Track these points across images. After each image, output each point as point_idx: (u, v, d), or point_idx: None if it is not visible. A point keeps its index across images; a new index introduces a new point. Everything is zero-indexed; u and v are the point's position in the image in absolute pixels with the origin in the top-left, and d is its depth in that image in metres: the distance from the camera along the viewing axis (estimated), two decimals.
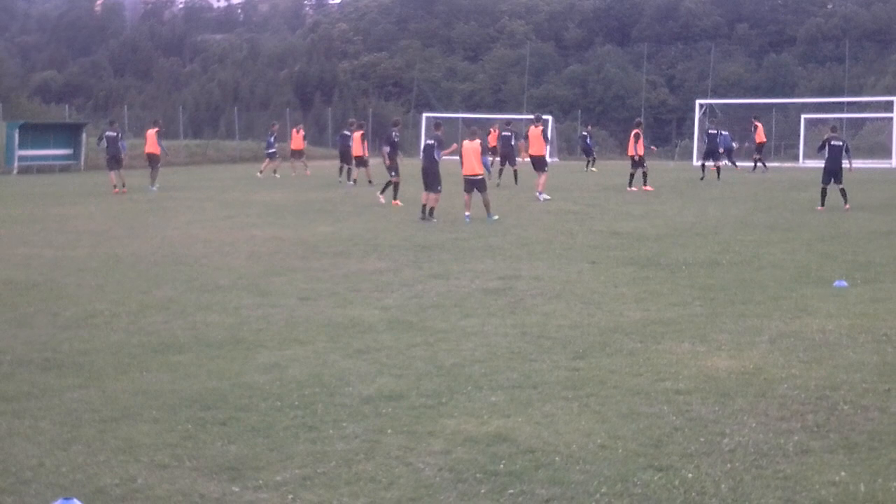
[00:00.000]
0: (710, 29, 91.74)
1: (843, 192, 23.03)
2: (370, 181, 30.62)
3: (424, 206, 21.37)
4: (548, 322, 10.85)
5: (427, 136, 22.51)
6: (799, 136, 50.34)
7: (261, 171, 37.69)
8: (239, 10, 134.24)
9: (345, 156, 32.52)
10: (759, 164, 38.50)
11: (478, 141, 22.02)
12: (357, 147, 31.05)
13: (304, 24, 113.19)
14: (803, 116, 51.29)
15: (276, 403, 7.77)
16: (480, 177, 21.50)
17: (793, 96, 65.88)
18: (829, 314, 10.97)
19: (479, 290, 12.93)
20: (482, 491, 5.99)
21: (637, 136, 29.01)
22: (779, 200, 25.81)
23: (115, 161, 29.97)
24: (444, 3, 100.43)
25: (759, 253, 16.09)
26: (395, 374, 8.67)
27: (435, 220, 20.99)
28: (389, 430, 7.09)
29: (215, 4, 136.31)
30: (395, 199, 24.73)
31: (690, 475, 6.18)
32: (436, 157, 21.73)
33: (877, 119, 53.02)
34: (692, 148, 51.13)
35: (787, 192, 28.58)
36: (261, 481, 6.16)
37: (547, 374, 8.64)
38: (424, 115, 58.18)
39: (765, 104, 51.82)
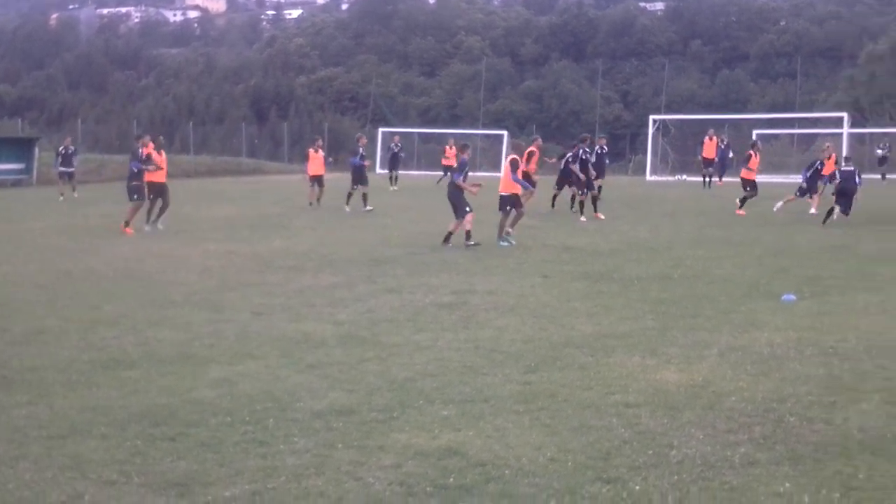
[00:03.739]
0: (665, 45, 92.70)
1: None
2: (312, 202, 29.38)
3: (450, 233, 19.57)
4: (500, 336, 10.89)
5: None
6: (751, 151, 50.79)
7: None
8: (195, 25, 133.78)
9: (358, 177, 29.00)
10: (709, 179, 38.79)
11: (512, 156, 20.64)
12: (318, 166, 30.36)
13: (261, 39, 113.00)
14: (755, 132, 51.83)
15: (226, 419, 7.75)
16: (508, 195, 19.93)
17: (745, 112, 66.63)
18: (778, 328, 11.10)
19: (433, 304, 12.96)
20: None
21: (531, 154, 25.64)
22: (731, 215, 26.05)
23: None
24: (401, 19, 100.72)
25: (711, 267, 16.25)
26: (347, 388, 8.66)
27: (475, 243, 19.12)
28: (340, 445, 7.09)
29: (171, 19, 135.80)
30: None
31: (638, 487, 6.23)
32: (455, 180, 19.92)
33: (828, 134, 53.65)
34: (646, 163, 51.51)
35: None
36: (210, 497, 6.13)
37: (499, 387, 8.67)
38: (381, 130, 58.23)
39: (718, 120, 52.26)
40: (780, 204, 26.01)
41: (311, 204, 29.17)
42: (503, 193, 19.98)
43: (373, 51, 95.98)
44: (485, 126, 66.94)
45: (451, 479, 6.38)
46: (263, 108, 77.84)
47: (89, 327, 11.52)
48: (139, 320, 11.92)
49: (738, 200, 26.74)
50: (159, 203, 22.94)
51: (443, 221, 21.95)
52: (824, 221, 23.15)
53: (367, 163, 28.80)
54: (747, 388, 8.49)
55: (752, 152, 27.75)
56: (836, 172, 24.31)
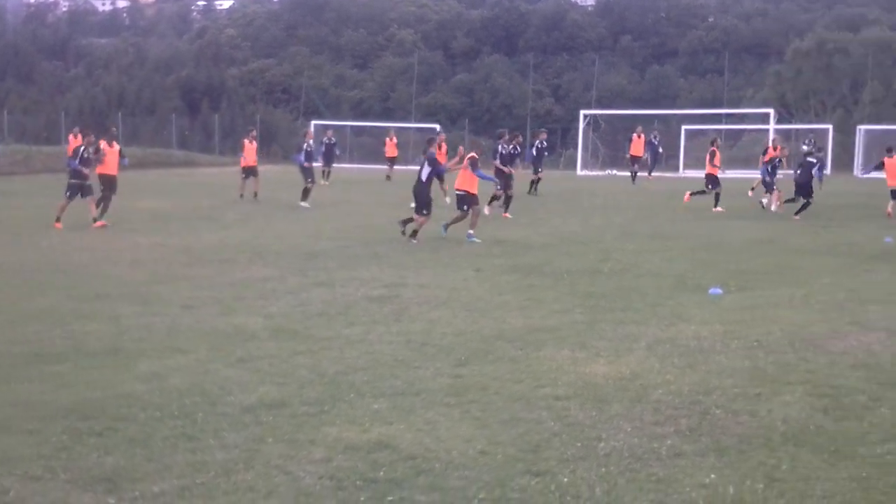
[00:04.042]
0: (595, 41, 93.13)
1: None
2: (243, 194, 29.22)
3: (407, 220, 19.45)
4: (432, 329, 10.93)
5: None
6: (680, 146, 51.54)
7: None
8: (125, 15, 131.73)
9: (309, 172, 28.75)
10: (636, 175, 39.17)
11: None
12: (252, 157, 29.90)
13: (192, 30, 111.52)
14: (684, 127, 52.54)
15: (155, 413, 7.69)
16: (463, 192, 19.63)
17: (674, 107, 67.32)
18: (704, 321, 11.28)
19: (365, 297, 12.96)
20: (362, 498, 6.03)
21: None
22: (659, 209, 26.38)
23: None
24: (333, 11, 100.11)
25: (639, 261, 16.44)
26: (278, 382, 8.64)
27: (415, 242, 18.91)
28: (270, 439, 7.07)
29: (100, 8, 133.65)
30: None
31: (566, 479, 6.31)
32: (422, 177, 19.53)
33: (754, 130, 54.54)
34: (577, 158, 51.91)
35: (668, 201, 29.24)
36: (137, 493, 6.08)
37: (430, 381, 8.71)
38: (313, 122, 57.95)
39: (647, 115, 52.84)
40: (774, 205, 26.33)
41: (241, 196, 28.97)
42: (460, 191, 19.68)
43: (305, 42, 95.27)
44: (417, 119, 66.84)
45: (382, 473, 6.41)
46: (195, 100, 76.87)
47: (16, 321, 11.34)
48: (67, 314, 11.76)
49: (701, 196, 27.17)
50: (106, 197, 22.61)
51: (375, 215, 22.00)
52: (796, 214, 24.13)
53: (307, 164, 28.57)
54: (674, 381, 8.62)
55: (715, 148, 28.14)
56: (777, 161, 26.11)
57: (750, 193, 29.02)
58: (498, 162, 24.66)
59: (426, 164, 19.72)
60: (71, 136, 36.86)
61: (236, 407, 7.88)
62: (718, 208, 26.22)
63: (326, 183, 36.36)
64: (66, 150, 29.32)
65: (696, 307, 12.22)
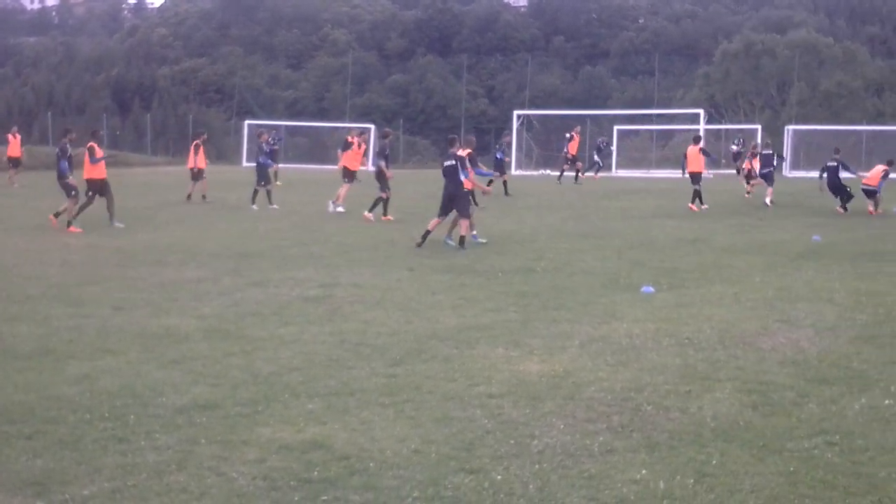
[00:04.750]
0: (528, 41, 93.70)
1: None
2: (192, 195, 28.95)
3: (429, 231, 18.42)
4: (366, 329, 10.92)
5: (448, 157, 18.80)
6: (612, 146, 51.95)
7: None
8: (54, 13, 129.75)
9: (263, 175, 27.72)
10: (568, 173, 39.37)
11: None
12: (198, 159, 29.41)
13: (123, 28, 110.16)
14: (616, 127, 53.00)
15: (85, 416, 7.60)
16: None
17: (606, 108, 67.94)
18: (636, 319, 11.40)
19: (299, 297, 12.91)
20: (296, 498, 6.02)
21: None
22: (592, 209, 26.60)
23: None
24: (266, 11, 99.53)
25: (572, 260, 16.57)
26: (211, 383, 8.59)
27: (465, 249, 18.04)
28: (203, 440, 7.03)
29: (29, 6, 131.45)
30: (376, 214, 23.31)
31: (500, 477, 6.34)
32: (460, 179, 18.30)
33: (685, 130, 55.15)
34: (511, 157, 52.06)
35: (600, 200, 29.50)
36: (67, 496, 6.02)
37: (364, 380, 8.71)
38: (247, 122, 57.59)
39: (580, 115, 53.22)
40: (768, 200, 27.84)
41: (189, 197, 28.65)
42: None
43: (238, 42, 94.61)
44: (352, 119, 66.65)
45: (316, 473, 6.40)
46: (126, 99, 75.97)
47: None
48: None
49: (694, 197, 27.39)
50: (107, 200, 22.00)
51: (310, 214, 21.88)
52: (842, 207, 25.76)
53: (275, 167, 28.38)
54: (606, 378, 8.71)
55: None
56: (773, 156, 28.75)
57: (747, 195, 30.21)
58: (383, 164, 23.59)
59: (457, 164, 18.39)
60: (10, 136, 36.25)
61: (168, 408, 7.81)
62: (693, 206, 26.81)
63: (279, 183, 36.02)
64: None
65: (629, 305, 12.35)
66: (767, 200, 27.67)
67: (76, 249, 17.68)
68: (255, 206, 26.48)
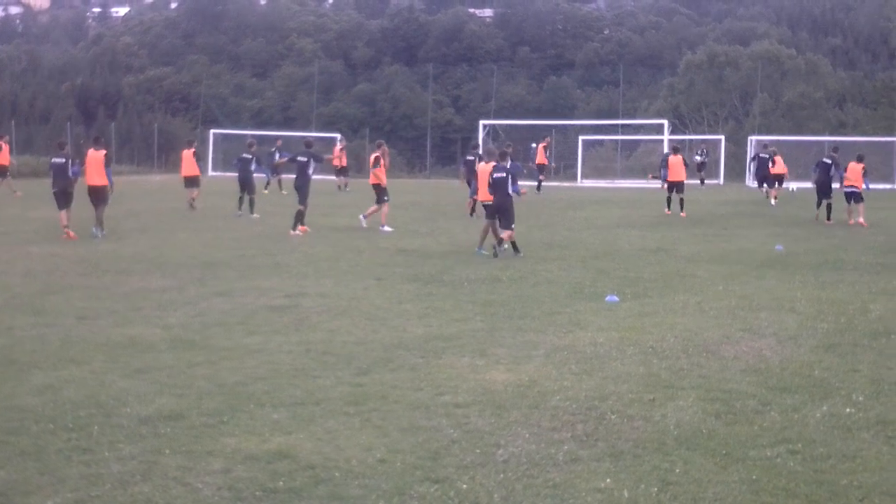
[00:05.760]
0: (494, 52, 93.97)
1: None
2: (193, 205, 28.75)
3: (501, 239, 18.64)
4: (333, 339, 10.92)
5: (497, 169, 18.72)
6: (577, 156, 52.24)
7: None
8: (17, 21, 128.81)
9: (245, 184, 27.79)
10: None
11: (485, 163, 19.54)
12: (192, 166, 29.70)
13: (87, 37, 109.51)
14: (581, 138, 53.24)
15: (48, 426, 7.55)
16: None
17: (572, 118, 68.19)
18: (601, 328, 11.47)
19: (265, 307, 12.88)
20: None
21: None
22: (556, 219, 26.70)
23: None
24: (232, 20, 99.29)
25: (537, 269, 16.63)
26: (176, 393, 8.55)
27: (521, 253, 18.67)
28: (168, 451, 7.00)
29: None
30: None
31: (465, 486, 6.37)
32: (510, 190, 18.61)
33: (649, 140, 55.51)
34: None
35: (565, 210, 29.63)
36: None
37: (330, 390, 8.70)
38: (212, 131, 57.42)
39: (545, 125, 53.39)
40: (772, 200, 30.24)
41: (191, 206, 28.62)
42: (487, 202, 19.16)
43: (203, 51, 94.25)
44: (318, 128, 66.53)
45: (281, 483, 6.39)
46: (90, 108, 75.59)
47: None
48: None
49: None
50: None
51: (276, 225, 21.81)
52: (828, 219, 26.24)
53: (275, 176, 28.38)
54: (571, 387, 8.76)
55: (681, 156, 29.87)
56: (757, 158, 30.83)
57: (773, 202, 31.63)
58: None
59: (507, 177, 18.58)
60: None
61: (133, 419, 7.78)
62: (683, 213, 27.92)
63: (266, 192, 35.74)
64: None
65: (593, 314, 12.42)
66: (772, 200, 30.63)
67: (39, 259, 17.55)
68: (255, 215, 26.75)
